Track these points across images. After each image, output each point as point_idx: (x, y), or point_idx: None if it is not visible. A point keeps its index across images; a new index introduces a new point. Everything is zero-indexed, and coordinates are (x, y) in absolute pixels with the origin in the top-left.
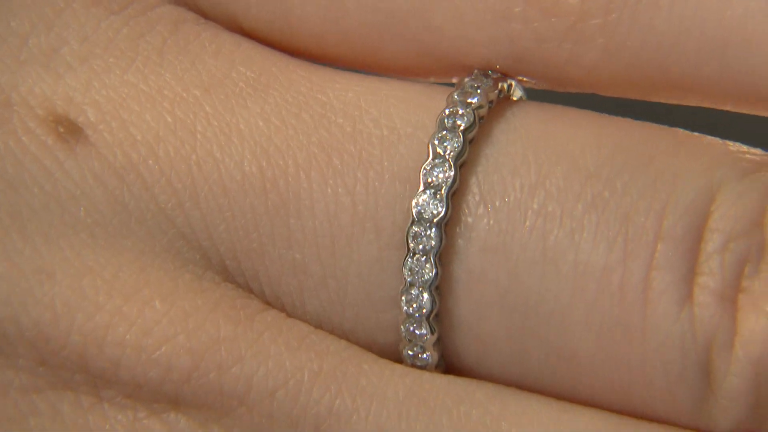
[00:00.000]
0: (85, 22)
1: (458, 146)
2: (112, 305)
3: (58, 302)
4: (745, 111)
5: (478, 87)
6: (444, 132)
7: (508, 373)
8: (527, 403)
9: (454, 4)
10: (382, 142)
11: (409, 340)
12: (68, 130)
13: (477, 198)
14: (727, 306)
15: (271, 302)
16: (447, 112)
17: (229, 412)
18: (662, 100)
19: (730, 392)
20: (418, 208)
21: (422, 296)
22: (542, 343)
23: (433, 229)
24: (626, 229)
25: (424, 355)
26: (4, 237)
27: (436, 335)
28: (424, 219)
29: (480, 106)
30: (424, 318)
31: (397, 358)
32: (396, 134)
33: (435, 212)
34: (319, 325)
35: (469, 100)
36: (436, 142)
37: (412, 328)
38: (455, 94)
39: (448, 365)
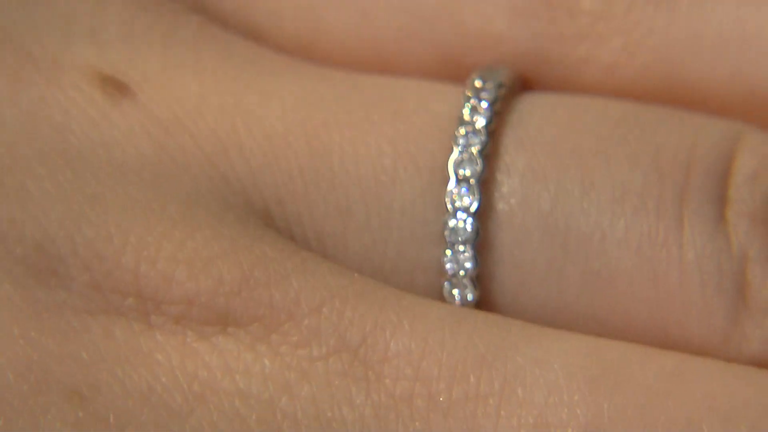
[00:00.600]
0: (123, 11)
1: (492, 95)
2: (163, 228)
3: (111, 223)
4: (753, 118)
5: (498, 69)
6: (474, 89)
7: (545, 305)
8: (563, 331)
9: (480, 4)
10: (417, 98)
11: (452, 275)
12: (115, 88)
13: (515, 136)
14: (759, 226)
15: (313, 246)
16: (476, 82)
17: (277, 328)
18: (678, 105)
19: (764, 304)
20: (459, 141)
21: (465, 223)
22: (581, 266)
23: (477, 159)
24: (659, 157)
25: (466, 292)
26: (56, 172)
27: (477, 268)
28: (466, 150)
29: (501, 84)
30: (467, 246)
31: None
32: (430, 91)
33: (477, 141)
34: (360, 269)
35: (493, 75)
36: (469, 93)
37: (454, 260)
38: (477, 72)
39: (486, 305)
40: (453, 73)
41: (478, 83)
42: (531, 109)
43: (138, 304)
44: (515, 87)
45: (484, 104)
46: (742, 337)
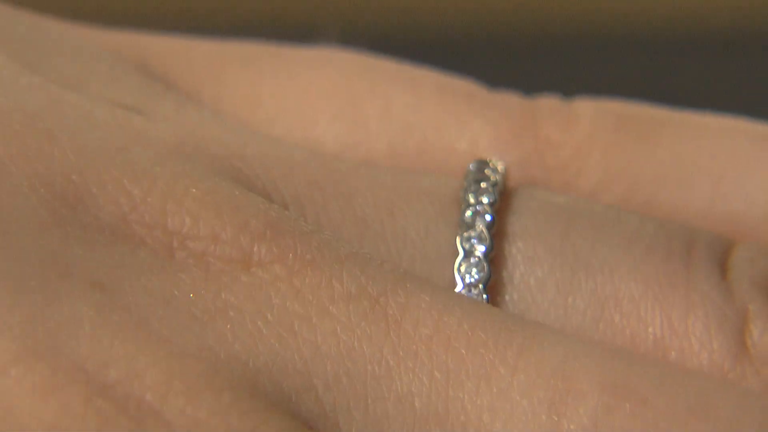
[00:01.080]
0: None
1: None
2: (190, 180)
3: (138, 169)
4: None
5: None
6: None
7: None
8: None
9: (468, 131)
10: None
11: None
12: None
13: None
14: (758, 287)
15: None
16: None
17: (299, 271)
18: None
19: (766, 351)
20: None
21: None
22: (588, 293)
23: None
24: (665, 226)
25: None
26: (86, 131)
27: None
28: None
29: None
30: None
31: None
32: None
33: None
34: None
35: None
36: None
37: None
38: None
39: None
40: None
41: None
42: (526, 222)
43: (163, 236)
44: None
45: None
46: (742, 377)
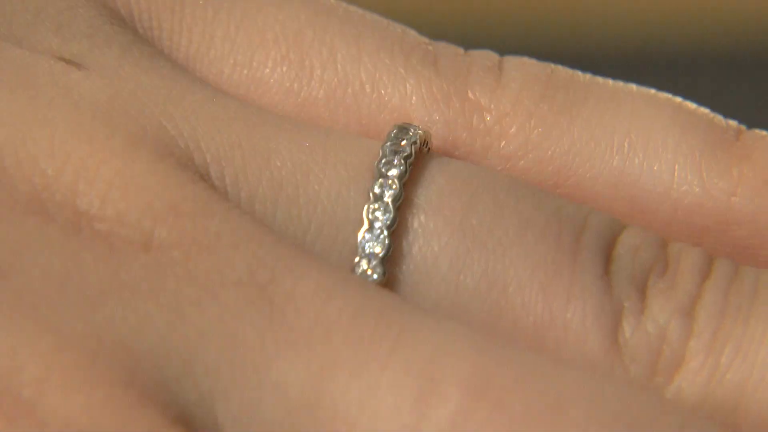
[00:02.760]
0: (92, 17)
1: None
2: (104, 156)
3: (56, 145)
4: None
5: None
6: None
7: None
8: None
9: (401, 87)
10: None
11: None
12: (74, 65)
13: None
14: (635, 287)
15: (244, 206)
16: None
17: (195, 257)
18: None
19: (634, 349)
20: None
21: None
22: (480, 272)
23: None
24: (559, 217)
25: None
26: (14, 99)
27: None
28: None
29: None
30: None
31: None
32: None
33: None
34: (284, 234)
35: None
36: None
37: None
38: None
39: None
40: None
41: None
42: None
43: (73, 216)
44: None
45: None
46: (610, 371)
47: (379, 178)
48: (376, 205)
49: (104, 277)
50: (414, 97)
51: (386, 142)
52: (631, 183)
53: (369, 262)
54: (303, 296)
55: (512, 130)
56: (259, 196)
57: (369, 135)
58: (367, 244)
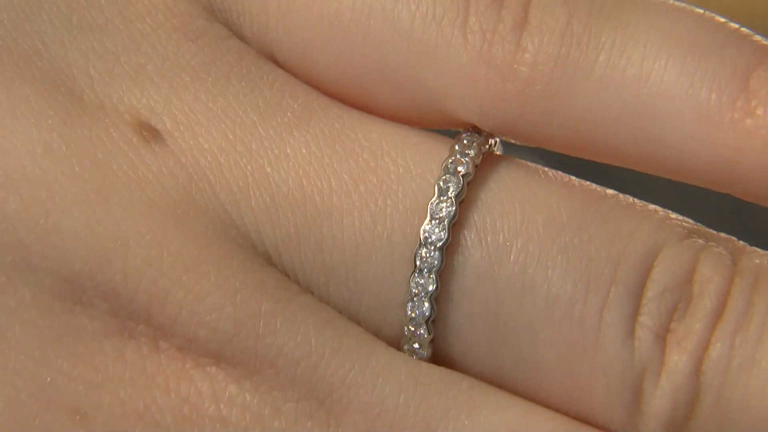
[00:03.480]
0: (167, 45)
1: (459, 187)
2: (174, 274)
3: (129, 266)
4: (657, 174)
5: (474, 141)
6: (447, 175)
7: (483, 372)
8: (502, 396)
9: (437, 64)
10: (398, 178)
11: (410, 338)
12: (150, 133)
13: (473, 232)
14: (659, 342)
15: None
16: (450, 160)
17: (260, 372)
18: (596, 159)
19: (654, 412)
20: (426, 234)
21: (423, 304)
22: (514, 353)
23: (437, 252)
24: (589, 271)
25: (421, 351)
26: (88, 209)
27: (431, 336)
28: (429, 243)
29: (476, 157)
30: (423, 321)
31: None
32: (409, 173)
33: (438, 238)
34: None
35: (467, 152)
36: (441, 183)
37: (413, 329)
38: (456, 145)
39: (438, 360)
40: (422, 119)
41: (450, 168)
42: (490, 202)
43: (148, 331)
44: (481, 166)
45: (452, 197)
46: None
47: (419, 263)
48: (418, 280)
49: (177, 399)
50: (446, 74)
51: (424, 233)
52: (650, 143)
53: (415, 332)
54: (358, 410)
55: (534, 94)
56: (312, 282)
57: (420, 112)
58: (413, 312)
